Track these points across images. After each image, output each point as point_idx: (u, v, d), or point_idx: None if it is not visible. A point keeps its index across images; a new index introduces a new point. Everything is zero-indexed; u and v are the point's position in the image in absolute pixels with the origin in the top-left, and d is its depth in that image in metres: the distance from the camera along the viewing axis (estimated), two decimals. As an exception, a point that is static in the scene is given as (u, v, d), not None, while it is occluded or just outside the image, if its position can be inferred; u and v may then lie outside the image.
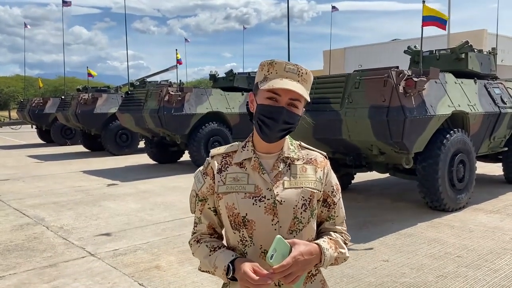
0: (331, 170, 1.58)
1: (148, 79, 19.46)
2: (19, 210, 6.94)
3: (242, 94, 11.96)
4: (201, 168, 1.58)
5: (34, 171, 11.39)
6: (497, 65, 8.86)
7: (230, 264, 1.40)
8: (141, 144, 15.30)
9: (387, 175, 8.16)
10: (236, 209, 1.44)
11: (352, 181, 8.20)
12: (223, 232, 1.59)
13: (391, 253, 4.67)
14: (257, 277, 1.31)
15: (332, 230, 1.56)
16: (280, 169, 1.47)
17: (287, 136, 1.53)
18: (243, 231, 1.44)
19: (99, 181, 9.61)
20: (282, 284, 1.42)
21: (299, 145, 1.57)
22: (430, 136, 6.12)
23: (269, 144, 1.48)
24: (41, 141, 20.87)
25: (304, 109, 1.51)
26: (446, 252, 4.67)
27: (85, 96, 14.59)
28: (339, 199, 1.57)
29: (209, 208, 1.54)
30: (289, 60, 7.95)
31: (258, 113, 1.45)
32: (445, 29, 6.52)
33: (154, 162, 12.53)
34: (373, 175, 8.47)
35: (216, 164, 1.52)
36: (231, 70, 12.63)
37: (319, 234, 1.55)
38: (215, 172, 1.51)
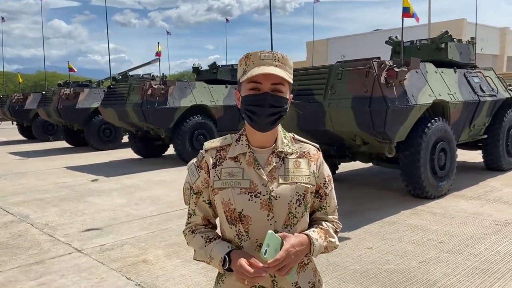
0: (324, 162, 1.60)
1: (130, 73, 19.28)
2: (3, 208, 6.86)
3: (226, 87, 11.94)
4: (194, 160, 1.58)
5: (16, 168, 11.24)
6: (476, 54, 9.03)
7: (226, 255, 1.43)
8: (125, 139, 15.21)
9: (370, 164, 8.28)
10: (232, 204, 1.46)
11: (336, 171, 8.30)
12: (217, 222, 1.61)
13: (376, 241, 4.77)
14: (253, 270, 1.35)
15: (323, 219, 1.59)
16: (275, 164, 1.49)
17: (280, 129, 1.54)
18: (239, 226, 1.46)
19: (83, 177, 9.53)
20: (276, 276, 1.45)
21: (293, 138, 1.58)
22: (412, 125, 6.23)
23: (262, 136, 1.49)
24: (23, 138, 20.57)
25: (291, 95, 1.52)
26: (428, 238, 4.79)
27: (66, 91, 14.39)
28: (331, 190, 1.60)
29: (204, 201, 1.55)
30: (272, 45, 8.03)
31: (244, 104, 1.46)
32: (418, 20, 6.62)
33: (139, 157, 12.47)
34: (357, 164, 8.58)
35: (211, 159, 1.52)
36: (214, 63, 12.58)
37: (311, 223, 1.59)
38: (210, 167, 1.52)
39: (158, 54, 11.19)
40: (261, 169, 1.46)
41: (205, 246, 1.50)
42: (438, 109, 6.81)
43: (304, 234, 1.47)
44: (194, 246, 1.56)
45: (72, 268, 4.31)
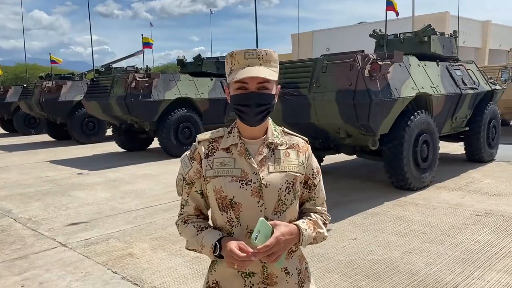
0: (312, 154, 1.66)
1: (114, 65, 19.04)
2: (-16, 203, 6.77)
3: (211, 79, 11.89)
4: (187, 152, 1.63)
5: (-2, 162, 11.07)
6: (459, 47, 9.15)
7: (217, 242, 1.47)
8: (109, 132, 15.07)
9: (354, 157, 8.37)
10: (223, 192, 1.51)
11: (321, 164, 8.37)
12: (209, 213, 1.65)
13: (359, 232, 4.84)
14: (243, 254, 1.39)
15: (312, 210, 1.65)
16: (265, 154, 1.55)
17: (270, 123, 1.62)
18: (230, 213, 1.51)
19: (67, 171, 9.44)
20: (266, 262, 1.49)
21: (282, 130, 1.65)
22: (395, 118, 6.30)
23: (253, 129, 1.56)
24: (4, 131, 20.23)
25: (279, 86, 1.60)
26: (411, 229, 4.88)
27: (49, 84, 14.17)
28: (319, 181, 1.66)
29: (196, 191, 1.60)
30: (257, 43, 8.02)
31: (233, 103, 1.54)
32: (398, 15, 6.68)
33: (123, 150, 12.37)
34: (341, 157, 8.66)
35: (203, 149, 1.58)
36: (199, 55, 12.52)
37: (301, 214, 1.64)
38: (202, 157, 1.57)
39: (148, 46, 11.02)
40: (252, 159, 1.52)
41: (197, 234, 1.54)
42: (421, 101, 6.90)
43: (294, 224, 1.52)
44: (186, 235, 1.60)
45: (57, 262, 4.29)
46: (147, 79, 10.35)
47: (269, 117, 1.59)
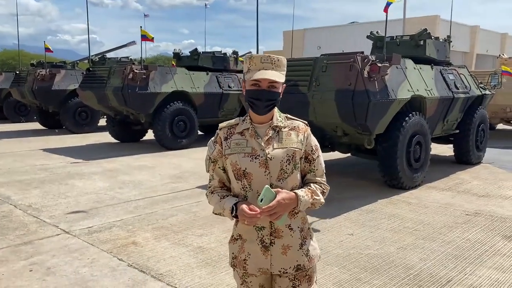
0: (311, 134, 2.04)
1: (107, 55, 18.95)
2: (-18, 189, 6.79)
3: (207, 74, 11.96)
4: (212, 138, 2.04)
5: (-10, 149, 11.01)
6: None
7: (234, 205, 1.88)
8: (101, 122, 15.06)
9: (347, 155, 8.55)
10: (238, 165, 1.92)
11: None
12: (230, 186, 2.04)
13: (355, 228, 5.02)
14: (251, 212, 1.79)
15: (313, 181, 2.02)
16: (271, 135, 1.94)
17: (276, 110, 2.00)
18: (244, 181, 1.92)
19: (61, 160, 9.46)
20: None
21: (286, 116, 2.04)
22: (391, 118, 6.49)
23: (261, 116, 1.95)
24: (-8, 118, 19.99)
25: (284, 85, 1.98)
26: (404, 226, 5.08)
27: (42, 72, 14.08)
28: (318, 156, 2.03)
29: (219, 168, 2.02)
30: (257, 39, 8.21)
31: (248, 97, 1.95)
32: (386, 11, 6.78)
33: (116, 141, 12.40)
34: (334, 155, 8.84)
35: (223, 134, 2.00)
36: (196, 49, 12.57)
37: (304, 184, 2.01)
38: (222, 140, 1.99)
39: (147, 39, 11.01)
40: (260, 139, 1.93)
41: (220, 201, 1.96)
42: (415, 103, 7.10)
43: (293, 192, 1.89)
44: (212, 202, 2.02)
45: (62, 249, 4.38)
46: (144, 71, 10.39)
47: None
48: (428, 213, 5.59)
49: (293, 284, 1.98)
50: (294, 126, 1.99)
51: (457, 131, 8.56)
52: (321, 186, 2.01)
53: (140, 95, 10.32)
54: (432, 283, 3.61)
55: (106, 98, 10.83)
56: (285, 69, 1.95)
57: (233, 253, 2.03)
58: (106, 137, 12.85)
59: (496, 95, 10.88)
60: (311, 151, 2.00)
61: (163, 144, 10.91)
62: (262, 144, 1.90)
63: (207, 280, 3.68)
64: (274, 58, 1.91)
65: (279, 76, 1.89)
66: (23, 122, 18.20)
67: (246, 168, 1.89)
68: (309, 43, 40.49)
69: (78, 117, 14.48)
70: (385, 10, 6.82)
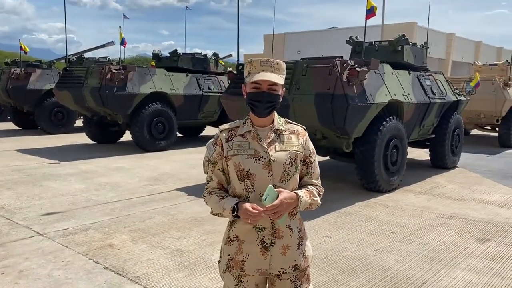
0: (309, 138, 2.11)
1: (85, 55, 18.65)
2: (-48, 190, 6.58)
3: (187, 75, 11.90)
4: (211, 140, 2.07)
5: (-39, 149, 10.69)
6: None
7: (235, 205, 1.91)
8: (78, 123, 14.79)
9: (326, 158, 8.63)
10: (242, 166, 1.95)
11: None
12: (228, 188, 2.07)
13: (333, 230, 5.05)
14: (255, 211, 1.83)
15: (309, 183, 2.08)
16: (272, 138, 1.99)
17: (276, 115, 2.05)
18: (247, 182, 1.95)
19: (36, 161, 9.25)
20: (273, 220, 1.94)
21: (286, 121, 2.09)
22: (369, 122, 6.57)
23: (262, 119, 1.99)
24: (-36, 117, 19.42)
25: (284, 89, 2.04)
26: (381, 228, 5.14)
27: (17, 70, 13.75)
28: (314, 160, 2.12)
29: (219, 169, 2.04)
30: (238, 41, 8.24)
31: (248, 99, 1.99)
32: (375, 15, 6.82)
33: (93, 142, 12.19)
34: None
35: (224, 136, 2.02)
36: (176, 50, 12.48)
37: (301, 186, 2.06)
38: (223, 142, 2.01)
39: (123, 41, 10.89)
40: (262, 141, 1.97)
41: (219, 201, 1.99)
42: (392, 108, 7.20)
43: (294, 192, 1.96)
44: (211, 203, 2.03)
45: (35, 251, 4.28)
46: (122, 72, 10.25)
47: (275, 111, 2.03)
48: (405, 216, 5.67)
49: (295, 285, 2.04)
50: (294, 130, 2.06)
51: (433, 135, 8.72)
52: (317, 188, 2.09)
53: (118, 95, 10.18)
54: (408, 285, 3.66)
55: (83, 98, 10.64)
56: (285, 72, 2.00)
57: (229, 255, 2.02)
58: (82, 138, 12.63)
59: (471, 101, 11.14)
60: (309, 154, 2.08)
61: (141, 145, 10.78)
62: (265, 146, 1.95)
63: (184, 282, 3.65)
64: (273, 62, 1.96)
65: (278, 79, 1.93)
66: (-4, 122, 17.73)
67: (249, 169, 1.93)
68: (289, 47, 40.70)
69: (54, 118, 14.19)
70: (369, 17, 6.82)
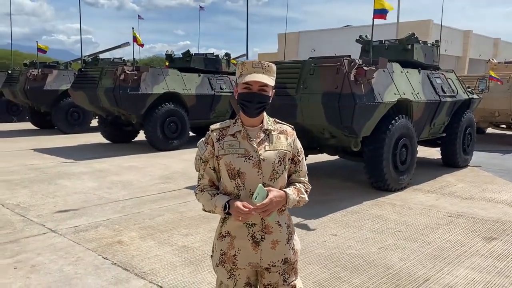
0: (297, 137, 2.19)
1: (101, 56, 18.96)
2: (-30, 188, 6.80)
3: (199, 75, 12.03)
4: (203, 139, 2.14)
5: (-20, 148, 11.01)
6: (440, 55, 9.51)
7: (226, 203, 1.99)
8: (93, 123, 15.06)
9: (336, 157, 8.65)
10: (232, 165, 2.02)
11: (304, 163, 8.59)
12: (219, 185, 2.14)
13: (339, 228, 5.10)
14: (246, 209, 1.91)
15: (297, 181, 2.17)
16: (262, 137, 2.06)
17: (265, 115, 2.11)
18: (237, 180, 2.03)
19: (52, 160, 9.48)
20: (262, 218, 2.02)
21: (274, 120, 2.17)
22: (377, 121, 6.58)
23: (252, 120, 2.07)
24: (-16, 118, 19.94)
25: (273, 90, 2.09)
26: (387, 227, 5.16)
27: (34, 71, 14.09)
28: (302, 158, 2.19)
29: (210, 167, 2.11)
30: (247, 41, 8.32)
31: (239, 99, 2.05)
32: (385, 18, 6.81)
33: (108, 142, 12.43)
34: (323, 157, 8.92)
35: (215, 135, 2.09)
36: (188, 51, 12.63)
37: (289, 184, 2.14)
38: (214, 141, 2.08)
39: (134, 40, 11.08)
40: (252, 141, 2.04)
41: (211, 198, 2.06)
42: (402, 107, 7.19)
43: (283, 190, 2.04)
44: (202, 200, 2.10)
45: (48, 247, 4.42)
46: (136, 72, 10.43)
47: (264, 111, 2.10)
48: (412, 214, 5.68)
49: (283, 278, 2.13)
50: (283, 130, 2.13)
51: (444, 134, 8.67)
52: (304, 185, 2.17)
53: (131, 96, 10.36)
54: (409, 282, 3.69)
55: (97, 98, 10.86)
56: (275, 74, 2.07)
57: (221, 250, 2.10)
58: (97, 138, 12.88)
59: (485, 100, 11.02)
60: (297, 153, 2.16)
61: (154, 145, 10.95)
62: (255, 145, 2.02)
63: (189, 278, 3.74)
64: (264, 64, 2.04)
65: (269, 80, 2.01)
66: (15, 122, 18.17)
67: (240, 168, 2.00)
68: (303, 46, 40.64)
69: (70, 118, 14.50)
70: (376, 17, 6.81)
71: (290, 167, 2.15)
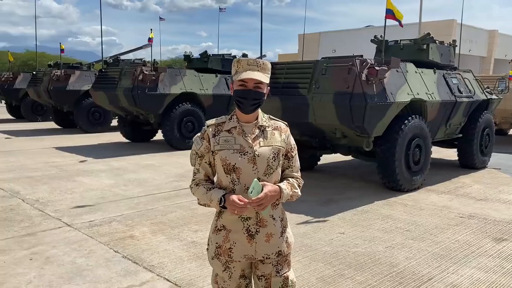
0: (290, 134, 2.25)
1: (122, 57, 19.33)
2: (-6, 184, 7.08)
3: (216, 76, 12.17)
4: (198, 134, 2.19)
5: (4, 146, 11.40)
6: (464, 55, 9.42)
7: (222, 197, 2.04)
8: (114, 122, 15.38)
9: (350, 157, 8.64)
10: (228, 160, 2.07)
11: (318, 163, 8.63)
12: (214, 179, 2.20)
13: (347, 227, 5.12)
14: (241, 203, 1.97)
15: (290, 176, 2.22)
16: (257, 133, 2.12)
17: (260, 111, 2.17)
18: (233, 175, 2.08)
19: (72, 158, 9.75)
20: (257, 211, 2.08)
21: (269, 117, 2.23)
22: (390, 121, 6.57)
23: (247, 116, 2.12)
24: (11, 117, 20.57)
25: (269, 87, 2.15)
26: (396, 226, 5.16)
27: (57, 72, 14.49)
28: (295, 154, 2.25)
29: (205, 162, 2.17)
30: (261, 41, 8.39)
31: (235, 96, 2.11)
32: (402, 25, 6.81)
33: (127, 141, 12.69)
34: (338, 157, 8.92)
35: (211, 131, 2.14)
36: (206, 52, 12.79)
37: (282, 179, 2.20)
38: (210, 137, 2.13)
39: (149, 40, 11.34)
40: (247, 136, 2.09)
41: (207, 192, 2.12)
42: (416, 107, 7.15)
43: (277, 185, 2.10)
44: (198, 194, 2.17)
45: (62, 240, 4.59)
46: (154, 73, 10.64)
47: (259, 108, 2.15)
48: (422, 215, 5.66)
49: (276, 269, 2.20)
50: (277, 126, 2.19)
51: (461, 135, 8.56)
52: (297, 180, 2.22)
53: (149, 96, 10.58)
54: (413, 280, 3.71)
55: (117, 98, 11.12)
56: (270, 72, 2.13)
57: (217, 243, 2.15)
58: (118, 137, 13.16)
59: (506, 100, 10.82)
60: (291, 149, 2.22)
61: (172, 144, 11.14)
62: (250, 141, 2.07)
63: (195, 272, 3.84)
64: (259, 62, 2.10)
65: (263, 78, 2.06)
66: (39, 121, 18.69)
67: (235, 163, 2.05)
68: (324, 47, 40.50)
69: (91, 117, 14.85)
70: (388, 17, 6.82)
71: (284, 163, 2.20)
